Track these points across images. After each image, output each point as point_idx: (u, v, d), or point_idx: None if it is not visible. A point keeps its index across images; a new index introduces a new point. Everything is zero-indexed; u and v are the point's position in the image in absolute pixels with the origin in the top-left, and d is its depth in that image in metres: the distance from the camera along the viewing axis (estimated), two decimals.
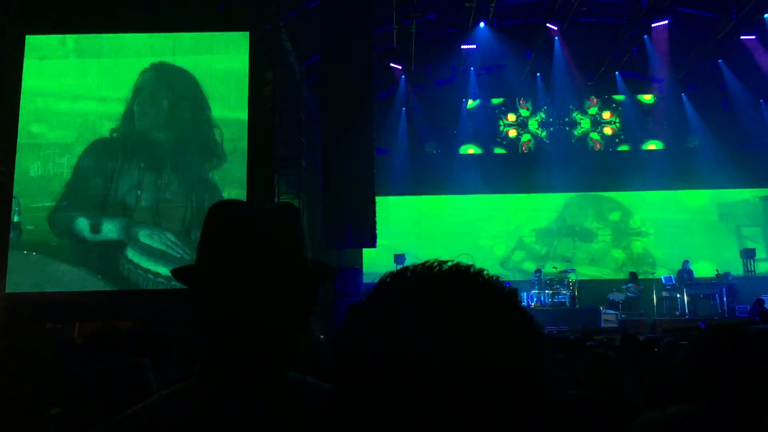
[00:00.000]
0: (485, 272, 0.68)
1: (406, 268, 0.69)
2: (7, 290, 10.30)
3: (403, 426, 0.60)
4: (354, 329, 0.66)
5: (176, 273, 1.05)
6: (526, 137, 18.30)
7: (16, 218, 10.56)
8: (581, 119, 18.31)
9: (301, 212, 1.10)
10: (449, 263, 0.67)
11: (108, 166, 10.75)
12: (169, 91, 10.99)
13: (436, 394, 0.59)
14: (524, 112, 18.30)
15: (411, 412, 0.60)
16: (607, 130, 18.23)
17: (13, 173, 10.62)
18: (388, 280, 0.68)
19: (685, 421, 1.24)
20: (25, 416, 1.53)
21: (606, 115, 18.25)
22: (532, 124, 18.34)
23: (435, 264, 0.67)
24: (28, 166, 10.71)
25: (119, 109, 10.92)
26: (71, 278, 10.38)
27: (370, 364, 0.62)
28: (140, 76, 11.03)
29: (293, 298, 1.02)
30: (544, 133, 18.28)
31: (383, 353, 0.61)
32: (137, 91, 10.98)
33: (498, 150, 18.17)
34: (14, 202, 10.59)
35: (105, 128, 10.86)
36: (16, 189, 10.60)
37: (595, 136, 18.26)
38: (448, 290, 0.64)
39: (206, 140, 10.84)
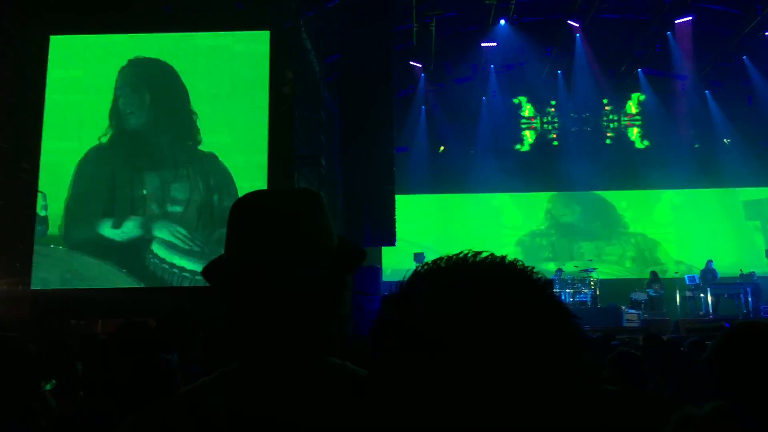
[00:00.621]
0: (520, 262, 0.67)
1: (440, 258, 0.68)
2: (33, 286, 10.46)
3: (439, 412, 0.59)
4: (390, 319, 0.66)
5: (205, 271, 1.07)
6: (545, 134, 18.18)
7: (42, 213, 10.74)
8: (603, 116, 18.14)
9: (321, 198, 1.09)
10: (484, 253, 0.67)
11: (110, 170, 10.89)
12: (184, 88, 11.08)
13: (474, 382, 0.59)
14: (545, 113, 18.18)
15: (447, 399, 0.59)
16: (630, 127, 18.05)
17: (38, 171, 10.79)
18: (423, 269, 0.68)
19: (724, 418, 1.23)
20: (18, 393, 1.61)
21: (628, 111, 18.06)
22: (553, 121, 18.21)
23: (469, 254, 0.67)
24: (52, 163, 10.87)
25: (129, 106, 11.05)
26: (96, 273, 10.54)
27: (408, 352, 0.61)
28: (152, 74, 11.16)
29: (319, 285, 1.02)
30: (564, 131, 18.14)
31: (420, 342, 0.61)
32: (152, 88, 11.13)
33: (518, 147, 18.07)
34: (40, 197, 10.77)
35: (116, 126, 11.00)
36: (42, 185, 10.78)
37: (615, 133, 18.09)
38: (485, 279, 0.64)
39: (224, 139, 10.92)
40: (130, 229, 10.72)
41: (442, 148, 17.75)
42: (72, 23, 11.16)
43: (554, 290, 0.67)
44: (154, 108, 11.10)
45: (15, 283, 10.50)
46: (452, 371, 0.59)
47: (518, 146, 18.11)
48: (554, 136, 18.18)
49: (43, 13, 11.03)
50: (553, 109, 18.19)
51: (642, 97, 17.75)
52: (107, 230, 10.71)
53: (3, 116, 11.08)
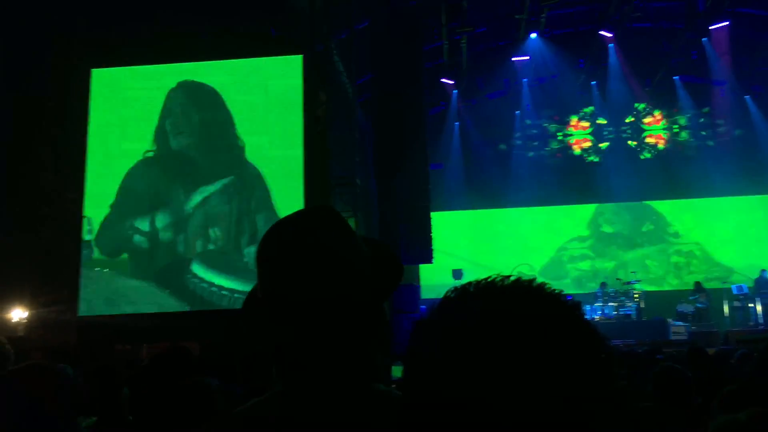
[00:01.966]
0: (547, 286, 0.67)
1: (469, 284, 0.69)
2: (80, 312, 10.73)
3: None
4: (420, 345, 0.67)
5: (245, 307, 1.11)
6: (582, 146, 17.99)
7: (87, 237, 11.05)
8: (640, 126, 17.88)
9: (338, 214, 1.10)
10: (512, 278, 0.67)
11: (155, 186, 11.16)
12: (229, 113, 11.32)
13: (504, 410, 0.59)
14: (580, 125, 18.00)
15: (479, 427, 0.60)
16: (668, 137, 17.74)
17: (83, 199, 11.11)
18: (452, 295, 0.68)
19: (760, 423, 1.21)
20: (54, 424, 1.63)
21: (666, 121, 17.77)
22: (589, 133, 18.01)
23: (497, 278, 0.68)
24: (96, 189, 11.20)
25: (177, 127, 11.36)
26: (140, 294, 10.79)
27: (437, 379, 0.62)
28: (201, 98, 11.46)
29: (360, 314, 1.03)
30: (602, 143, 17.92)
31: (449, 368, 0.62)
32: (200, 111, 11.43)
33: (554, 161, 17.91)
34: (85, 221, 11.09)
35: (162, 146, 11.30)
36: (88, 210, 11.11)
37: (654, 141, 17.79)
38: (512, 305, 0.64)
39: (260, 161, 11.09)
40: (172, 247, 10.96)
41: (503, 146, 17.65)
42: (112, 56, 11.52)
43: (583, 312, 0.67)
44: (200, 129, 11.39)
45: (62, 310, 10.78)
46: (482, 400, 0.60)
47: (554, 159, 17.93)
48: (590, 147, 17.96)
49: (85, 48, 11.41)
50: (587, 120, 17.99)
51: (681, 105, 17.42)
52: (147, 247, 10.98)
53: (48, 148, 11.47)
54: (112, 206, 11.08)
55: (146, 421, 2.51)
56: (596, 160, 17.83)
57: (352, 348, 1.02)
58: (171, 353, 2.92)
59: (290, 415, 1.01)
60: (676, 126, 17.73)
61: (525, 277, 0.68)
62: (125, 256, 10.98)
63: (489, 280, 0.68)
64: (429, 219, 12.11)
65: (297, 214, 1.11)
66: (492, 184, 17.18)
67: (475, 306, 0.65)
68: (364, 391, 1.03)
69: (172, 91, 11.42)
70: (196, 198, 11.09)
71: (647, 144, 17.84)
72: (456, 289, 0.69)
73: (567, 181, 17.10)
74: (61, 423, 1.64)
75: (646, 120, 17.87)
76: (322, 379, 1.01)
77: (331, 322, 1.00)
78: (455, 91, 17.31)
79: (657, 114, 17.81)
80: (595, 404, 0.61)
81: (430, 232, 12.13)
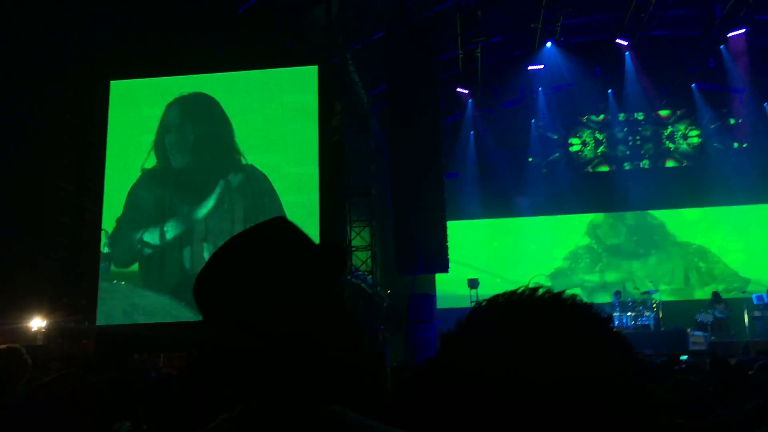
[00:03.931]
0: (578, 298, 0.68)
1: (498, 296, 0.70)
2: (98, 322, 10.82)
3: None
4: (450, 358, 0.67)
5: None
6: (598, 154, 17.89)
7: (105, 250, 11.16)
8: (657, 133, 17.75)
9: (289, 223, 1.04)
10: (541, 290, 0.68)
11: (159, 200, 11.26)
12: (227, 122, 11.41)
13: (537, 422, 0.60)
14: (596, 134, 17.91)
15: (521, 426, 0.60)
16: (685, 145, 17.60)
17: (101, 210, 11.23)
18: (482, 306, 0.69)
19: None
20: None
21: (684, 128, 17.63)
22: (605, 142, 17.92)
23: (526, 290, 0.68)
24: (113, 202, 11.32)
25: (174, 143, 11.46)
26: (156, 306, 10.86)
27: (469, 391, 0.63)
28: (196, 111, 11.57)
29: (312, 328, 0.96)
30: (618, 151, 17.81)
31: (481, 381, 0.62)
32: (196, 125, 11.54)
33: (569, 170, 17.82)
34: (103, 234, 11.21)
35: (163, 162, 11.40)
36: (105, 223, 11.22)
37: (671, 149, 17.65)
38: (544, 317, 0.65)
39: (275, 172, 11.14)
40: (181, 260, 11.02)
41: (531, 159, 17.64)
42: (131, 68, 11.67)
43: (613, 320, 0.67)
44: (198, 144, 11.48)
45: (81, 320, 10.88)
46: (512, 415, 0.60)
47: (569, 168, 17.84)
48: (606, 155, 17.85)
49: (103, 61, 11.57)
50: (604, 128, 17.90)
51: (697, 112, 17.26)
52: (157, 259, 11.08)
53: (68, 160, 11.62)
54: (120, 219, 11.21)
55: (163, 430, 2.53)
56: (612, 168, 17.71)
57: (291, 362, 0.94)
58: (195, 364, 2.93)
59: None
60: (694, 134, 17.58)
61: (553, 289, 0.69)
62: (142, 271, 11.05)
63: (518, 292, 0.69)
64: (445, 228, 12.08)
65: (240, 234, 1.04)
66: (507, 193, 17.13)
67: (506, 319, 0.66)
68: (312, 417, 0.95)
69: (170, 105, 11.53)
70: (204, 209, 11.16)
71: (664, 152, 17.70)
72: (486, 301, 0.70)
73: (581, 189, 17.00)
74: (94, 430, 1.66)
75: (663, 128, 17.74)
76: (275, 401, 0.95)
77: (272, 337, 0.93)
78: (470, 101, 17.31)
79: (674, 122, 17.66)
80: (627, 414, 0.62)
81: (446, 242, 12.10)
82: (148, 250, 11.14)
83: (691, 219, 17.11)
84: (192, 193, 11.27)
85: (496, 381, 0.61)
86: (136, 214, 11.23)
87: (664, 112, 17.62)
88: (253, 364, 0.95)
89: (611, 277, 16.91)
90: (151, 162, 11.39)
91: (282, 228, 1.02)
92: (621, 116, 17.49)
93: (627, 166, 17.49)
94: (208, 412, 2.30)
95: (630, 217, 17.15)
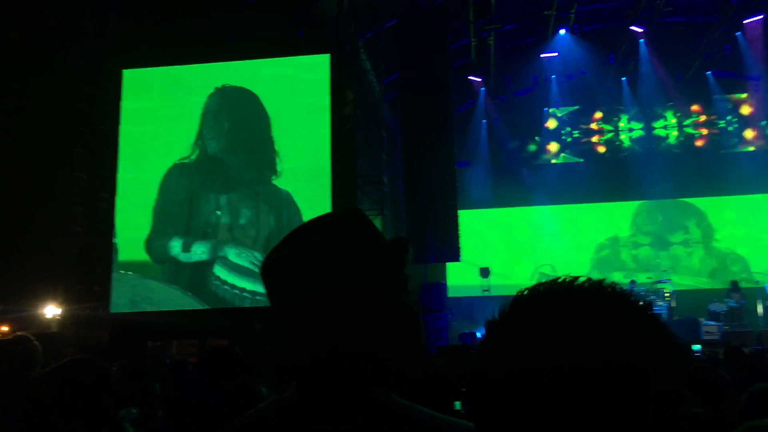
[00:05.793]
0: (618, 286, 0.69)
1: (538, 284, 0.71)
2: (112, 309, 10.92)
3: None
4: (497, 347, 0.68)
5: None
6: (612, 143, 17.75)
7: (113, 240, 11.23)
8: (672, 122, 17.58)
9: (363, 215, 1.08)
10: (581, 278, 0.69)
11: (188, 189, 11.30)
12: (264, 116, 11.41)
13: (584, 408, 0.61)
14: (608, 123, 17.77)
15: (558, 427, 0.61)
16: (701, 132, 17.42)
17: (114, 199, 11.30)
18: (525, 295, 0.70)
19: None
20: (92, 419, 1.65)
21: (699, 117, 17.45)
22: (619, 130, 17.77)
23: (568, 279, 0.69)
24: (127, 191, 11.37)
25: (210, 132, 11.46)
26: (164, 296, 10.92)
27: (515, 380, 0.64)
28: (234, 102, 11.56)
29: (369, 317, 0.99)
30: (632, 139, 17.66)
31: (527, 369, 0.63)
32: (231, 116, 11.53)
33: (583, 158, 17.69)
34: (117, 224, 11.28)
35: (182, 153, 11.42)
36: (118, 213, 11.28)
37: (686, 137, 17.48)
38: (588, 304, 0.66)
39: (287, 161, 11.16)
40: (199, 249, 11.08)
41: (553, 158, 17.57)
42: (142, 57, 11.70)
43: (653, 307, 0.68)
44: (232, 135, 11.49)
45: (95, 307, 10.99)
46: (560, 402, 0.61)
47: (581, 157, 17.72)
48: (620, 144, 17.71)
49: (115, 50, 11.60)
50: (618, 116, 17.75)
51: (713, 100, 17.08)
52: (179, 249, 11.12)
53: (81, 149, 11.69)
54: (156, 200, 11.24)
55: (180, 417, 2.55)
56: (627, 157, 17.56)
57: (354, 350, 0.97)
58: (218, 352, 2.95)
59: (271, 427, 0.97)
60: (710, 122, 17.39)
61: (593, 278, 0.69)
62: (150, 262, 11.10)
63: (559, 280, 0.70)
64: (456, 217, 12.07)
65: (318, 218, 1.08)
66: (520, 182, 17.05)
67: (551, 307, 0.66)
68: (364, 403, 0.97)
69: (211, 96, 11.55)
70: (226, 201, 11.21)
71: (679, 140, 17.53)
72: (528, 289, 0.71)
73: (594, 178, 16.87)
74: (102, 417, 1.67)
75: (678, 116, 17.56)
76: (327, 383, 0.98)
77: (332, 319, 0.97)
78: (483, 89, 17.21)
79: (689, 110, 17.48)
80: (670, 401, 0.63)
81: (458, 231, 12.08)
82: (171, 236, 11.17)
83: (706, 208, 16.95)
84: (219, 183, 11.31)
85: (546, 372, 0.62)
86: (163, 205, 11.27)
87: (678, 103, 17.41)
88: (316, 344, 0.98)
89: (628, 265, 16.81)
90: (177, 149, 11.41)
91: (355, 217, 1.07)
92: (635, 104, 17.28)
93: (642, 155, 17.29)
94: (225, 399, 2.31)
95: (647, 205, 17.01)
